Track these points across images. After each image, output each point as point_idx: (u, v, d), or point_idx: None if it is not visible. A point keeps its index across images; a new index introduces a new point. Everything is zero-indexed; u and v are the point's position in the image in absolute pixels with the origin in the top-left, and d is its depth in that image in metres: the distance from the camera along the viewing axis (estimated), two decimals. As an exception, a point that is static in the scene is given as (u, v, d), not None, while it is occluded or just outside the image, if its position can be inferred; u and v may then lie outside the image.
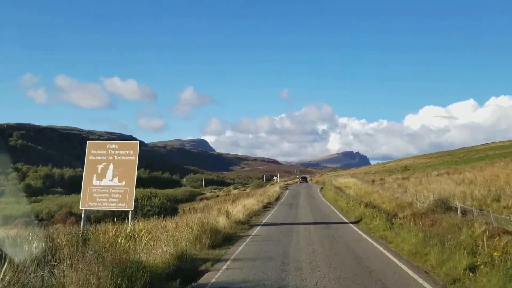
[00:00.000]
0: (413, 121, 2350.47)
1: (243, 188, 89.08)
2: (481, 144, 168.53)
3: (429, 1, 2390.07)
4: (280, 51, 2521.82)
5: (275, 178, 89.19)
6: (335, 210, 29.37)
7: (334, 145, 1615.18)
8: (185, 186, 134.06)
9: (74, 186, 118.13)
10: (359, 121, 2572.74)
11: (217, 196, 74.51)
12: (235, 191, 77.42)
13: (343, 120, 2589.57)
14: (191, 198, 77.86)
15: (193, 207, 34.26)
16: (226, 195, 63.84)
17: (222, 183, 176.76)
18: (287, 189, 62.74)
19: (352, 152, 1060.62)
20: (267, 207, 32.02)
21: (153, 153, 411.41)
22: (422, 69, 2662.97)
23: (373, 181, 46.18)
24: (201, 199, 67.03)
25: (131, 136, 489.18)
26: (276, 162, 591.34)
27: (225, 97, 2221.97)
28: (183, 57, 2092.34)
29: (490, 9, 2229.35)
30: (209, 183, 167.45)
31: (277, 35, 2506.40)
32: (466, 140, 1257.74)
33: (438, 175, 40.45)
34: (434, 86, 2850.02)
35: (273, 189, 54.35)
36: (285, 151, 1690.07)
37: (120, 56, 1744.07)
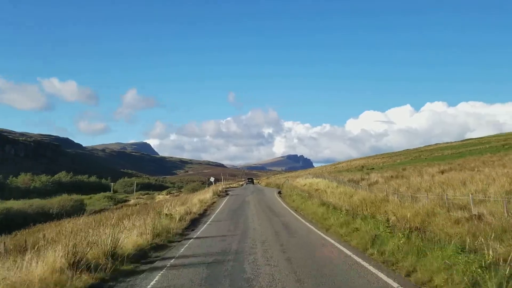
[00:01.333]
0: (354, 126, 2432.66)
1: (177, 193, 74.23)
2: (424, 146, 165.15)
3: (365, 7, 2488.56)
4: (226, 55, 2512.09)
5: (211, 179, 71.48)
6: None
7: (279, 149, 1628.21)
8: (113, 191, 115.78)
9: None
10: (303, 125, 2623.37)
11: (145, 203, 58.98)
12: (167, 196, 62.82)
13: (288, 124, 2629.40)
14: (111, 205, 61.92)
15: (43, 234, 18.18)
16: (146, 203, 48.67)
17: (160, 188, 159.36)
18: (227, 195, 43.06)
19: (297, 155, 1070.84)
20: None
21: (90, 157, 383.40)
22: (362, 75, 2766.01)
23: (359, 181, 32.71)
24: (118, 208, 50.99)
25: (67, 138, 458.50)
26: (222, 165, 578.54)
27: (170, 100, 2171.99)
28: (127, 60, 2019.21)
29: (424, 25, 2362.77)
30: (145, 187, 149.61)
31: (222, 38, 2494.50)
32: (403, 144, 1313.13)
33: (442, 172, 28.34)
34: (373, 92, 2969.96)
35: (202, 196, 33.53)
36: (231, 154, 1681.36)
37: (59, 58, 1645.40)
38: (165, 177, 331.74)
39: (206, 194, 36.90)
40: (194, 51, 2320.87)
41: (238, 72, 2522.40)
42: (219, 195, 40.76)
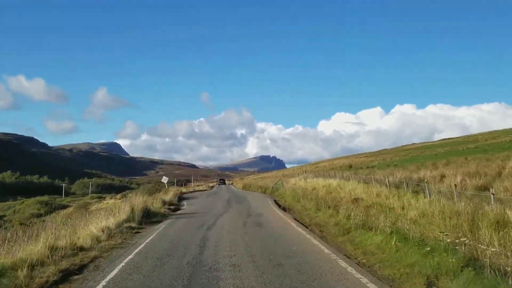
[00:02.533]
0: (326, 127, 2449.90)
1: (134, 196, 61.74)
2: (403, 145, 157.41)
3: (347, 14, 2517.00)
4: (200, 56, 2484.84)
5: (164, 179, 48.66)
6: None
7: (252, 149, 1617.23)
8: (64, 194, 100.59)
9: None
10: (276, 126, 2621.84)
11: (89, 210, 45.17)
12: (119, 201, 49.70)
13: (261, 125, 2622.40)
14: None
15: None
16: (84, 209, 35.32)
17: (124, 189, 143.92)
18: (181, 207, 26.30)
19: (269, 156, 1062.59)
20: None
21: (55, 157, 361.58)
22: (334, 77, 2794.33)
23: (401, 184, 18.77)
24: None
25: (32, 138, 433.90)
26: (194, 166, 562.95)
27: (142, 100, 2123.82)
28: (97, 58, 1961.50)
29: (393, 29, 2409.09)
30: (107, 189, 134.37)
31: (195, 39, 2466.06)
32: (373, 145, 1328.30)
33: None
34: (345, 94, 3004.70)
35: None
36: (203, 155, 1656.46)
37: (26, 54, 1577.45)
38: (134, 178, 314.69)
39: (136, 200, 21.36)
40: (167, 50, 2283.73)
41: (212, 72, 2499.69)
42: (168, 206, 24.94)
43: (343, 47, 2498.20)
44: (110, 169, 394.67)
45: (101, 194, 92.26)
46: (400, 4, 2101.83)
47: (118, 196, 63.29)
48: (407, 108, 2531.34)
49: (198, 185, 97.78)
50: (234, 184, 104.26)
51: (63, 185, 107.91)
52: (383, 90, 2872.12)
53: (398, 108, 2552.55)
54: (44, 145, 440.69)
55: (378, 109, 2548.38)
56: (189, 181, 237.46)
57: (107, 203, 48.05)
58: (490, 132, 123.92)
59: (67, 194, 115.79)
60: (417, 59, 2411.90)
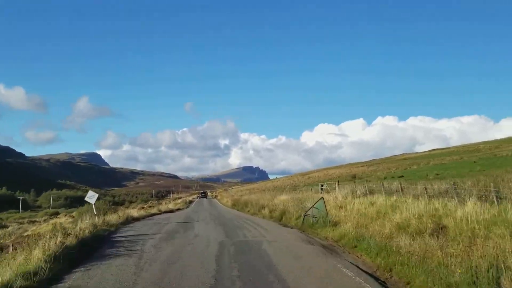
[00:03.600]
0: (309, 138, 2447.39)
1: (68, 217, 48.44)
2: (401, 154, 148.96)
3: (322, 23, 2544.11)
4: (184, 65, 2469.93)
5: (90, 197, 22.60)
6: None
7: (235, 160, 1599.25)
8: (28, 208, 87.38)
9: None
10: (259, 136, 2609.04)
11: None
12: (70, 220, 37.17)
13: (244, 136, 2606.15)
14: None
15: None
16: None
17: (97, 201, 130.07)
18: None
19: (252, 166, 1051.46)
20: None
21: (30, 167, 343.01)
22: (317, 87, 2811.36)
23: None
24: None
25: (8, 147, 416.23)
26: (176, 177, 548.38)
27: (123, 109, 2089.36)
28: (79, 66, 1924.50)
29: (379, 41, 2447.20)
30: (77, 201, 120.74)
31: (178, 48, 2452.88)
32: (356, 156, 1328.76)
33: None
34: (328, 105, 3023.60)
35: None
36: (186, 166, 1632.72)
37: (6, 63, 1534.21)
38: (111, 189, 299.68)
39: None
40: (150, 59, 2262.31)
41: (196, 82, 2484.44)
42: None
43: (327, 56, 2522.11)
44: (88, 180, 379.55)
45: (58, 210, 79.27)
46: (382, 14, 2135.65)
47: (75, 212, 50.95)
48: (389, 120, 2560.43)
49: (175, 199, 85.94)
50: (218, 197, 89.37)
51: (21, 197, 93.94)
52: (366, 102, 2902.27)
53: (380, 120, 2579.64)
54: (21, 155, 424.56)
55: (360, 121, 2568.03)
56: (170, 192, 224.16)
57: (55, 222, 36.20)
58: (486, 142, 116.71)
59: (30, 207, 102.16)
60: (399, 70, 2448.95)
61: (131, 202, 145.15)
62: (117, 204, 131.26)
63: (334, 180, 73.96)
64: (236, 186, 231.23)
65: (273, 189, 78.79)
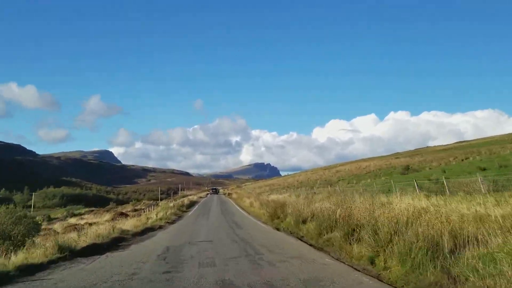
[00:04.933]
0: (320, 134, 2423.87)
1: (78, 221, 34.64)
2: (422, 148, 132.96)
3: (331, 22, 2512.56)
4: (194, 63, 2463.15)
5: None
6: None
7: (247, 157, 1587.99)
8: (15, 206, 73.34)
9: None
10: (271, 133, 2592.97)
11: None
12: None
13: (255, 132, 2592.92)
14: None
15: None
16: None
17: (99, 200, 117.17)
18: None
19: (264, 163, 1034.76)
20: None
21: (40, 165, 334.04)
22: (328, 83, 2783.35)
23: None
24: None
25: (19, 146, 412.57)
26: (187, 174, 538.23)
27: (135, 107, 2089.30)
28: (90, 65, 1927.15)
29: (391, 37, 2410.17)
30: (74, 200, 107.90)
31: (189, 46, 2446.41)
32: (368, 152, 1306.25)
33: None
34: (339, 101, 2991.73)
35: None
36: (198, 163, 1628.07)
37: (18, 62, 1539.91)
38: (120, 187, 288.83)
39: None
40: (161, 57, 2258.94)
41: (206, 79, 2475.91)
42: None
43: (338, 53, 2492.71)
44: (99, 177, 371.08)
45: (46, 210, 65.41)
46: (394, 11, 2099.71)
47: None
48: (401, 115, 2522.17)
49: (186, 196, 71.57)
50: (233, 196, 67.61)
51: (14, 195, 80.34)
52: (378, 97, 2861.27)
53: (392, 115, 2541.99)
54: (32, 153, 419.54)
55: (372, 116, 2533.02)
56: (180, 189, 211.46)
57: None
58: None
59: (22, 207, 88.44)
60: (412, 65, 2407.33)
61: (137, 200, 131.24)
62: (121, 202, 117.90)
63: (374, 174, 58.98)
64: (249, 183, 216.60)
65: (298, 185, 64.06)
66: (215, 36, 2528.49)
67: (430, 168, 49.20)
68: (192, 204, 50.11)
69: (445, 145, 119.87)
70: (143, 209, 36.99)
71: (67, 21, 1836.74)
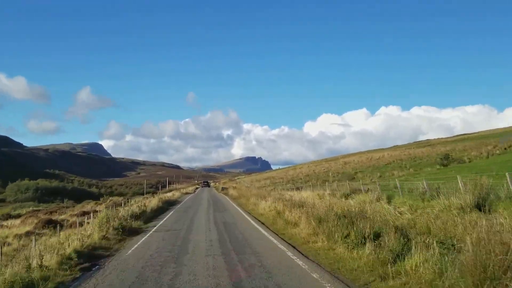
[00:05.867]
0: (312, 128, 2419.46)
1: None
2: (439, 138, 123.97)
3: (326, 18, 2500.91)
4: (186, 56, 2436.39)
5: None
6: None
7: (238, 151, 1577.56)
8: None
9: None
10: (262, 127, 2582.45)
11: None
12: None
13: (247, 126, 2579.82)
14: None
15: None
16: None
17: (79, 194, 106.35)
18: None
19: (255, 157, 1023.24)
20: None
21: (27, 157, 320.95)
22: (320, 78, 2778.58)
23: None
24: None
25: (6, 137, 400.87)
26: (178, 167, 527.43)
27: (126, 100, 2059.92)
28: (81, 58, 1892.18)
29: (382, 32, 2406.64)
30: (51, 193, 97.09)
31: (181, 38, 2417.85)
32: (359, 146, 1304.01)
33: None
34: (331, 95, 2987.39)
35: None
36: (189, 156, 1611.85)
37: (6, 52, 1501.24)
38: (107, 180, 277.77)
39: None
40: (153, 50, 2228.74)
41: (198, 73, 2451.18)
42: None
43: (329, 48, 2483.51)
44: (87, 170, 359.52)
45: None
46: (385, 6, 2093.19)
47: None
48: (392, 110, 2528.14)
49: (171, 190, 61.21)
50: (228, 190, 55.12)
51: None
52: (369, 92, 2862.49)
53: (383, 110, 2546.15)
54: (19, 144, 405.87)
55: (363, 111, 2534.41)
56: (170, 183, 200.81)
57: None
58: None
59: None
60: (403, 60, 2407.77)
61: (122, 194, 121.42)
62: (102, 196, 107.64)
63: (397, 165, 49.41)
64: (242, 176, 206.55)
65: (306, 179, 54.26)
66: (208, 30, 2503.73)
67: (469, 160, 39.70)
68: (170, 204, 37.00)
69: (451, 137, 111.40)
70: (97, 212, 25.81)
71: (58, 16, 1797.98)
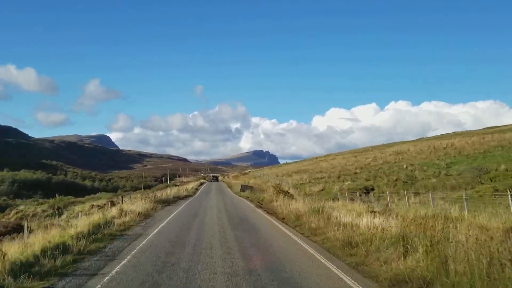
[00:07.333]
0: (320, 123, 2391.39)
1: None
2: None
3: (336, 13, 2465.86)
4: (195, 49, 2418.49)
5: None
6: None
7: (246, 144, 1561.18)
8: None
9: None
10: (270, 121, 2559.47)
11: None
12: None
13: (255, 120, 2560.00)
14: None
15: None
16: None
17: (67, 189, 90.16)
18: None
19: (262, 151, 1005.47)
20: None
21: (31, 148, 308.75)
22: (329, 72, 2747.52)
23: None
24: None
25: (11, 127, 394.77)
26: (185, 160, 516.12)
27: (135, 92, 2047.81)
28: (90, 50, 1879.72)
29: (392, 27, 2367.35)
30: (31, 186, 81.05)
31: (189, 31, 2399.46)
32: (368, 141, 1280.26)
33: None
34: (339, 90, 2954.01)
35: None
36: (197, 149, 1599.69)
37: (17, 44, 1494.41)
38: (117, 172, 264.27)
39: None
40: (161, 43, 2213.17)
41: (206, 66, 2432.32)
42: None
43: (339, 43, 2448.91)
44: (93, 162, 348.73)
45: None
46: (395, 0, 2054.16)
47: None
48: (402, 105, 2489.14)
49: (180, 185, 43.89)
50: (252, 191, 36.68)
51: None
52: (379, 86, 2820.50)
53: (392, 105, 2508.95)
54: (25, 135, 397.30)
55: (373, 105, 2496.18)
56: (176, 176, 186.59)
57: None
58: None
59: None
60: (413, 55, 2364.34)
61: (122, 188, 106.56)
62: (95, 191, 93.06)
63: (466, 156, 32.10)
64: (252, 169, 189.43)
65: (331, 172, 37.36)
66: (216, 23, 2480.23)
67: None
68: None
69: (474, 130, 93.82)
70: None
71: (67, 7, 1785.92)
